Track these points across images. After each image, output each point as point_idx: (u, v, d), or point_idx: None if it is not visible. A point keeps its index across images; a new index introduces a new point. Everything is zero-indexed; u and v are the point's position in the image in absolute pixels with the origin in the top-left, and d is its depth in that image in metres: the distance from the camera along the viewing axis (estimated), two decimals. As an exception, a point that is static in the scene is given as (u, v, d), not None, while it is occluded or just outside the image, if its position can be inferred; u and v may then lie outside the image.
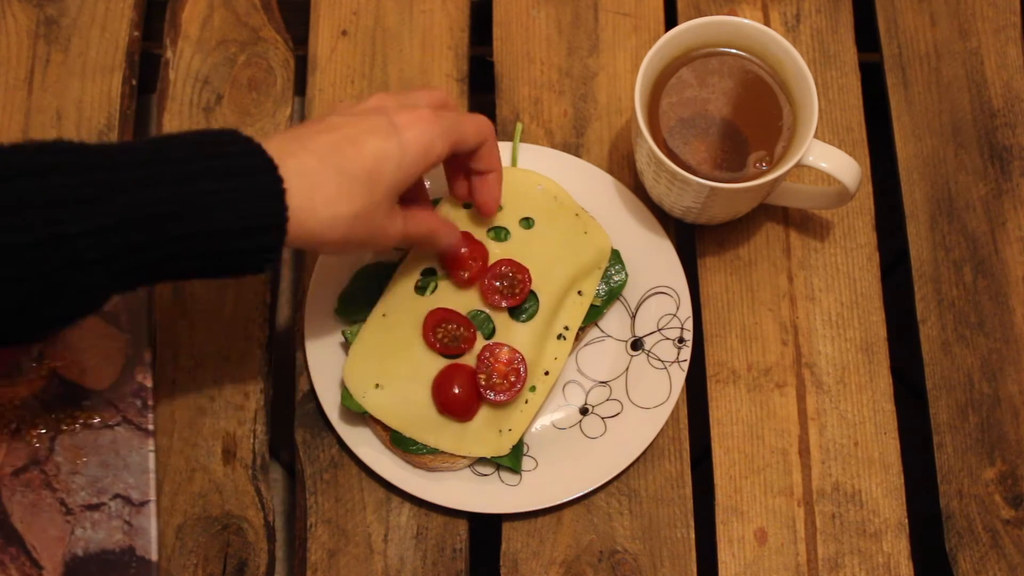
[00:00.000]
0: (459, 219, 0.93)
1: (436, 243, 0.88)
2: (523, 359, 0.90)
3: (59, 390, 0.92)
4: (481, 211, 0.91)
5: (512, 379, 0.89)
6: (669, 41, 0.91)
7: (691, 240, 0.98)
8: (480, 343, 0.90)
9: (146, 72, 1.04)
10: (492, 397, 0.89)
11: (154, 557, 0.89)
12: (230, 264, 0.75)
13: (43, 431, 0.91)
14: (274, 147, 0.75)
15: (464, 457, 0.90)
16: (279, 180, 0.74)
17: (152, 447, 0.91)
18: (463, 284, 0.91)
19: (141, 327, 0.94)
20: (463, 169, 0.90)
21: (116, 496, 0.90)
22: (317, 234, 0.76)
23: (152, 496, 0.90)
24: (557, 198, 0.94)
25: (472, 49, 1.03)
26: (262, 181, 0.74)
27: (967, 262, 0.98)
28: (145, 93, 1.06)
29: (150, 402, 0.92)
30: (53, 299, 0.70)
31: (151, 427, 0.92)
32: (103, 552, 0.89)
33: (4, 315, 0.70)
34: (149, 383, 0.93)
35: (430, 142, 0.80)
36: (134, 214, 0.70)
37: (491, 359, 0.90)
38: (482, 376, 0.89)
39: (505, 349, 0.90)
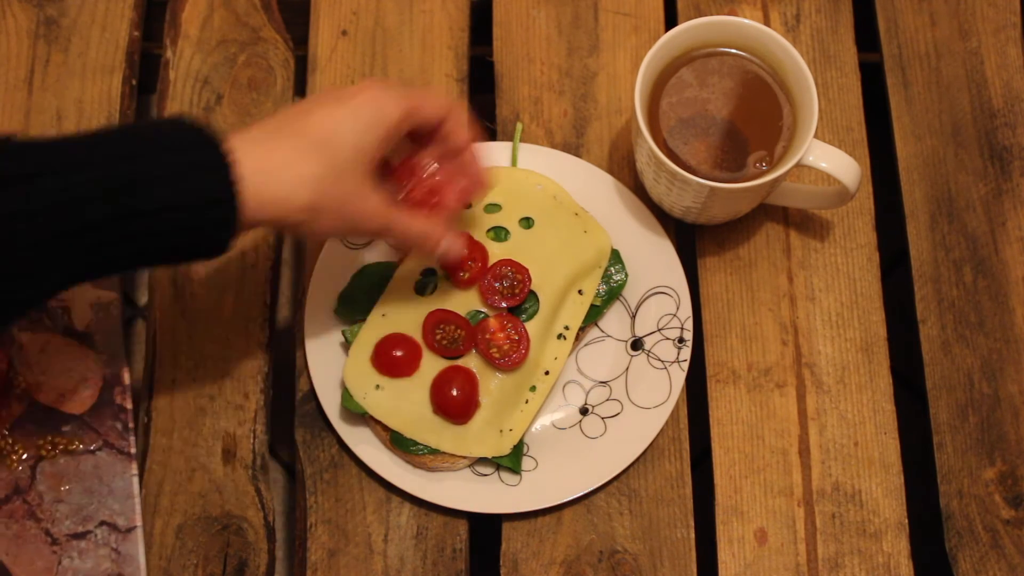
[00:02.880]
0: (459, 219, 0.93)
1: (435, 248, 0.84)
2: (510, 316, 0.90)
3: (38, 416, 0.91)
4: (472, 191, 0.86)
5: (515, 338, 0.89)
6: (669, 41, 0.91)
7: (691, 240, 0.98)
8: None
9: (146, 72, 1.04)
10: (509, 363, 0.89)
11: None
12: (184, 244, 0.71)
13: (24, 457, 0.90)
14: (222, 130, 0.73)
15: (464, 457, 0.90)
16: (226, 152, 0.70)
17: (135, 471, 0.91)
18: (463, 284, 0.91)
19: (117, 347, 0.93)
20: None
21: (102, 523, 0.89)
22: (282, 198, 0.73)
23: (138, 522, 0.89)
24: (557, 198, 0.94)
25: (472, 49, 1.03)
26: (208, 154, 0.70)
27: (967, 262, 0.98)
28: (145, 93, 1.06)
29: (131, 424, 0.91)
30: None
31: (133, 450, 0.91)
32: None
33: None
34: (129, 405, 0.92)
35: (381, 105, 0.77)
36: (67, 194, 0.66)
37: (487, 336, 0.90)
38: (494, 351, 0.89)
39: (491, 320, 0.90)
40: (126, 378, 0.93)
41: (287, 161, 0.74)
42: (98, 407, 0.92)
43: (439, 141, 0.84)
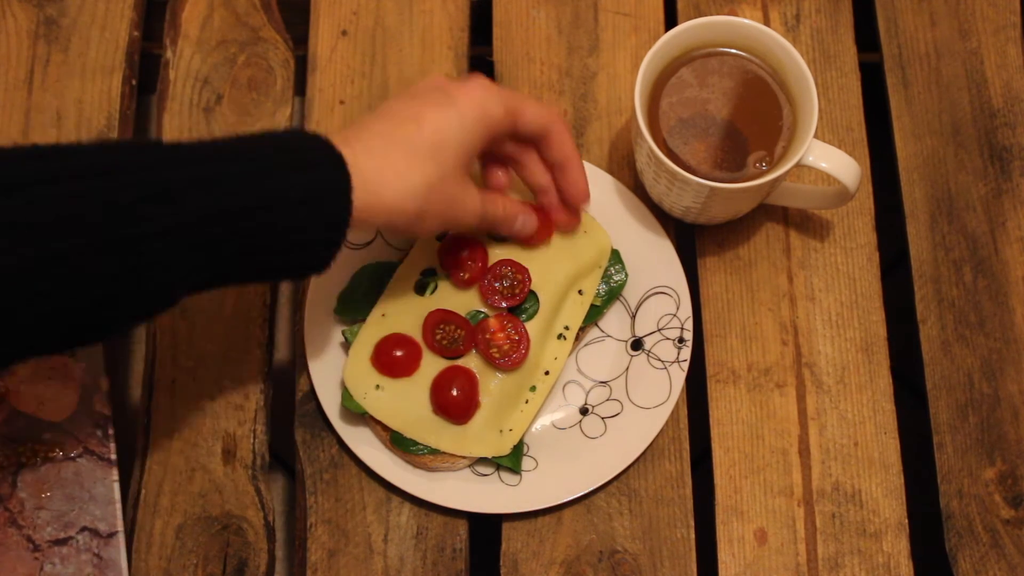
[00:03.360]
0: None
1: (512, 227, 0.88)
2: (510, 316, 0.90)
3: (18, 424, 0.91)
4: (571, 203, 0.90)
5: (515, 338, 0.89)
6: (669, 41, 0.91)
7: (691, 240, 0.98)
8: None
9: (146, 72, 1.04)
10: (509, 363, 0.89)
11: None
12: (298, 259, 0.76)
13: (5, 466, 0.90)
14: (339, 137, 0.77)
15: (464, 457, 0.90)
16: (347, 173, 0.75)
17: (116, 477, 0.91)
18: (463, 284, 0.91)
19: (96, 355, 0.93)
20: (527, 160, 0.89)
21: (83, 529, 0.90)
22: (394, 207, 0.77)
23: (119, 527, 0.90)
24: (557, 198, 0.94)
25: (472, 49, 1.03)
26: (330, 172, 0.75)
27: (967, 262, 0.98)
28: (145, 93, 1.06)
29: (110, 431, 0.92)
30: (130, 297, 0.70)
31: (113, 456, 0.91)
32: None
33: (80, 313, 0.69)
34: (108, 411, 0.92)
35: (485, 105, 0.81)
36: (210, 211, 0.70)
37: (487, 336, 0.90)
38: (494, 351, 0.89)
39: (491, 320, 0.90)
40: (104, 385, 0.93)
41: (399, 172, 0.78)
42: (78, 414, 0.92)
43: (541, 151, 0.88)
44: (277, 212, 0.73)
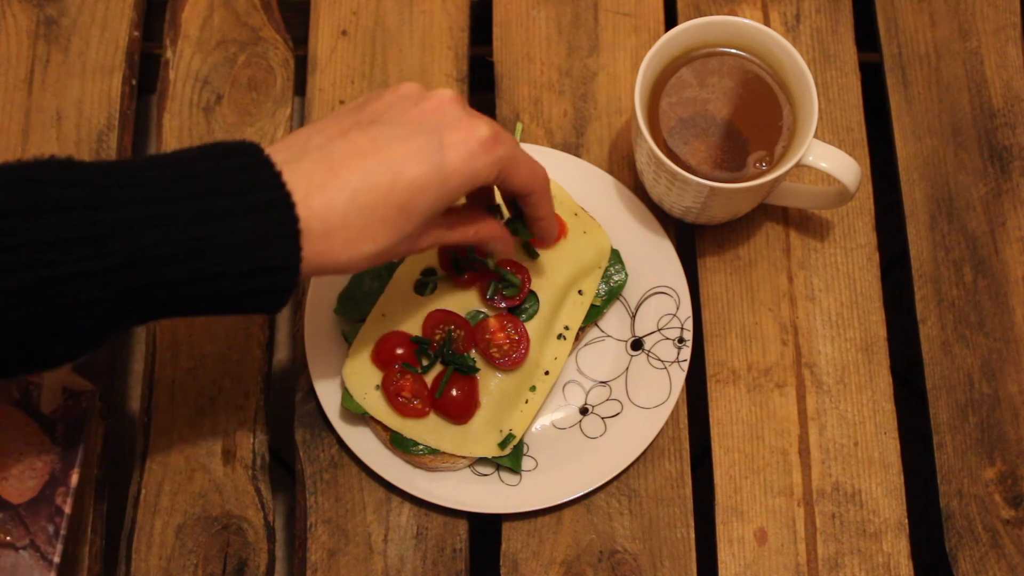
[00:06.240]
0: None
1: (488, 250, 0.85)
2: (510, 316, 0.90)
3: None
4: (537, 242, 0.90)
5: (515, 338, 0.89)
6: (669, 41, 0.91)
7: (691, 240, 0.98)
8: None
9: (146, 72, 1.04)
10: (509, 363, 0.89)
11: None
12: (236, 306, 0.72)
13: None
14: (301, 173, 0.71)
15: (464, 457, 0.90)
16: (295, 227, 0.70)
17: None
18: (463, 284, 0.91)
19: (75, 443, 0.86)
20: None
21: None
22: (330, 270, 0.74)
23: None
24: (556, 198, 0.94)
25: (472, 49, 1.03)
26: (278, 226, 0.70)
27: (967, 262, 0.98)
28: (145, 93, 1.06)
29: (63, 531, 0.84)
30: (55, 337, 0.68)
31: (57, 559, 0.84)
32: None
33: (3, 353, 0.68)
34: (68, 509, 0.85)
35: (475, 171, 0.75)
36: (142, 254, 0.67)
37: (487, 336, 0.90)
38: (494, 351, 0.89)
39: (491, 320, 0.90)
40: (74, 480, 0.86)
41: (349, 241, 0.72)
42: (36, 502, 0.85)
43: (518, 200, 0.83)
44: (213, 260, 0.69)
